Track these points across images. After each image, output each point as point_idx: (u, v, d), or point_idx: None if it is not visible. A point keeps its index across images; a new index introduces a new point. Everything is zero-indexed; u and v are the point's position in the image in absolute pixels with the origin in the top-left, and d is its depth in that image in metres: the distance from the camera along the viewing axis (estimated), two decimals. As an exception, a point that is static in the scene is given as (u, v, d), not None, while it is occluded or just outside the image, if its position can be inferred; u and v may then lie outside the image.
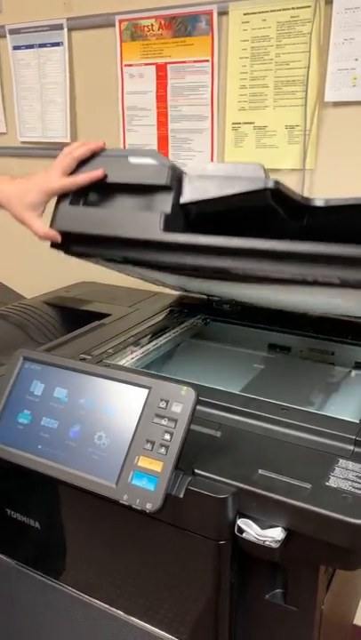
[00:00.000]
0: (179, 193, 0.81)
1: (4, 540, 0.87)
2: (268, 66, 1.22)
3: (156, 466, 0.64)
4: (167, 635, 0.72)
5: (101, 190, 0.86)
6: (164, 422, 0.66)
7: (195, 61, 1.31)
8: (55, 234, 0.86)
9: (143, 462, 0.65)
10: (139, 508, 0.63)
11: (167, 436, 0.65)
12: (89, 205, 0.87)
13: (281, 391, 0.85)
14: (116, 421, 0.69)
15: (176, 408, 0.66)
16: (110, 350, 0.99)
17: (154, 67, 1.36)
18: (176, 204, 0.81)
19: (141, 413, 0.68)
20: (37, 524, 0.81)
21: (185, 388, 0.67)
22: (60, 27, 1.45)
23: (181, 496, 0.63)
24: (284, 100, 1.23)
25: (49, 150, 1.59)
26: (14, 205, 0.86)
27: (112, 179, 0.84)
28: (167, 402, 0.67)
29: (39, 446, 0.72)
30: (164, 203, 0.81)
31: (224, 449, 0.69)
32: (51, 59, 1.50)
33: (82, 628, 0.83)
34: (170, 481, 0.63)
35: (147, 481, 0.64)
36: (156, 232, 0.80)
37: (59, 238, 0.87)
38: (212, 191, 0.79)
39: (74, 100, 1.51)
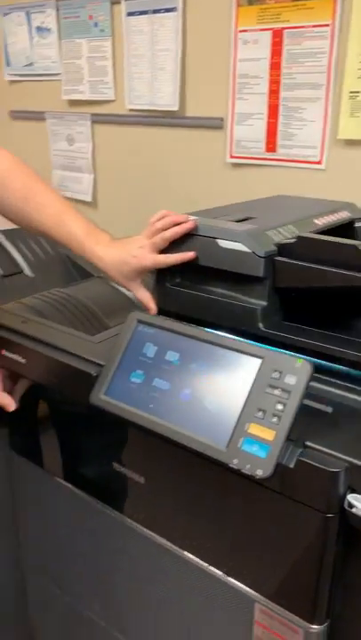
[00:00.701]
0: (274, 280, 0.80)
1: (108, 491, 0.92)
2: (394, 30, 1.16)
3: (268, 434, 0.64)
4: (265, 599, 0.74)
5: (195, 271, 0.86)
6: (276, 392, 0.66)
7: (314, 26, 1.26)
8: (156, 309, 0.91)
9: (254, 430, 0.66)
10: (248, 474, 0.64)
11: (280, 407, 0.65)
12: (185, 287, 0.88)
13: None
14: (227, 388, 0.71)
15: (290, 380, 0.66)
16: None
17: (270, 32, 1.32)
18: (272, 292, 0.80)
19: (253, 382, 0.68)
20: (142, 479, 0.84)
21: (300, 360, 0.67)
22: (175, -8, 1.45)
23: (292, 466, 0.63)
24: None
25: (156, 118, 1.60)
26: (113, 275, 0.91)
27: (204, 262, 0.84)
28: (281, 373, 0.67)
29: (150, 405, 0.75)
30: (260, 293, 0.80)
31: (335, 424, 0.69)
32: (164, 25, 1.50)
33: (178, 584, 0.86)
34: (282, 450, 0.63)
35: (258, 448, 0.65)
36: (254, 327, 0.80)
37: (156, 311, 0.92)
38: (310, 282, 0.77)
39: (184, 67, 1.51)
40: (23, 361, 0.93)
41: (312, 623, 0.70)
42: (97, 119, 1.76)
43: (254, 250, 0.78)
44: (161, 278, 0.90)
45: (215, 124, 1.49)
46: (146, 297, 0.91)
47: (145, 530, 0.88)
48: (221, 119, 1.47)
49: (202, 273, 0.85)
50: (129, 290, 0.92)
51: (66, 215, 0.94)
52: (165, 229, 0.86)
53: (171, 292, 0.89)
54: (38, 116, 1.91)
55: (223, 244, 0.81)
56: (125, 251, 0.89)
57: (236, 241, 0.80)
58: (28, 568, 1.20)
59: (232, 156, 1.47)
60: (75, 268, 1.47)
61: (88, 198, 1.86)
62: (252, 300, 0.81)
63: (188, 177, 1.59)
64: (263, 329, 0.80)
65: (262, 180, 1.44)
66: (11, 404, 0.96)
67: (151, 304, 0.91)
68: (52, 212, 0.95)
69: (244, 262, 0.80)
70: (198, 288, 0.87)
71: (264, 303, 0.80)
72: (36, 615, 1.24)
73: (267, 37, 1.33)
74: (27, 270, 1.43)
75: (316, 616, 0.70)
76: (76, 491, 0.98)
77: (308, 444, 0.65)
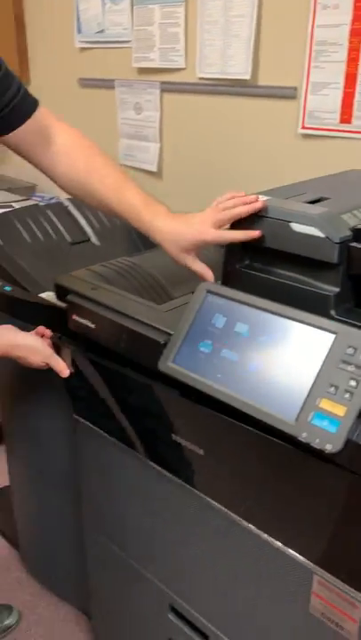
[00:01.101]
0: (348, 266, 0.77)
1: (169, 458, 0.94)
2: None
3: (339, 410, 0.64)
4: (324, 571, 0.75)
5: (264, 253, 0.84)
6: (350, 369, 0.65)
7: None
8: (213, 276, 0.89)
9: (325, 405, 0.65)
10: (317, 448, 0.64)
11: (353, 383, 0.64)
12: (254, 270, 0.86)
13: None
14: (297, 362, 0.70)
15: (365, 356, 0.65)
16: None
17: (352, -4, 1.26)
18: (345, 278, 0.78)
19: (326, 357, 0.68)
20: (201, 451, 0.85)
21: (376, 337, 0.65)
22: None
23: (362, 443, 0.63)
24: None
25: (227, 87, 1.57)
26: (168, 246, 0.90)
27: (272, 244, 0.82)
28: (356, 349, 0.66)
29: (218, 375, 0.76)
30: (333, 279, 0.78)
31: None
32: (240, -11, 1.46)
33: (235, 551, 0.88)
34: (353, 426, 0.63)
35: (328, 423, 0.64)
36: (326, 314, 0.77)
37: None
38: None
39: (258, 34, 1.46)
40: (92, 326, 0.96)
41: (372, 599, 0.70)
42: (166, 87, 1.74)
43: (329, 235, 0.76)
44: (230, 260, 0.89)
45: (288, 94, 1.44)
46: (202, 268, 0.90)
47: (204, 496, 0.89)
48: (295, 88, 1.43)
49: (272, 255, 0.84)
50: (183, 263, 0.91)
51: (125, 185, 0.95)
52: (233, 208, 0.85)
53: (239, 273, 0.88)
54: (107, 84, 1.91)
55: (297, 227, 0.79)
56: (185, 223, 0.88)
57: (310, 225, 0.78)
58: (88, 527, 1.25)
59: (304, 127, 1.43)
60: (139, 237, 1.49)
61: (153, 168, 1.85)
62: (325, 286, 0.79)
63: (258, 147, 1.56)
64: (336, 316, 0.78)
65: (335, 153, 1.40)
66: (65, 370, 0.99)
67: (208, 273, 0.89)
68: (111, 182, 0.95)
69: (317, 247, 0.77)
70: (268, 271, 0.85)
71: (337, 289, 0.78)
72: (95, 573, 1.30)
73: (348, 2, 1.27)
74: (93, 238, 1.45)
75: (376, 593, 0.70)
76: (137, 455, 1.00)
77: (381, 422, 0.64)
